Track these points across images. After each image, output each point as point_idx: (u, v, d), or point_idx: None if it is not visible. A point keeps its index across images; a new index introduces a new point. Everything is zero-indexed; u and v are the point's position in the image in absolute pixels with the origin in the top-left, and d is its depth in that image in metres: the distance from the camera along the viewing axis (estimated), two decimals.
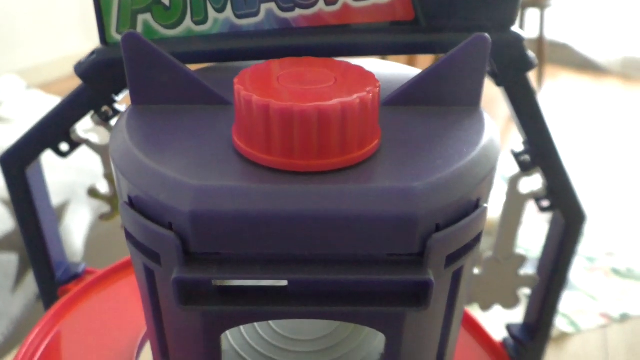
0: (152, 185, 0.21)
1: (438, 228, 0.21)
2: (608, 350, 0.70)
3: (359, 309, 0.22)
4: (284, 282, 0.22)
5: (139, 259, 0.23)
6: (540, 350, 0.45)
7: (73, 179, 1.04)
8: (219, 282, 0.23)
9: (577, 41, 2.21)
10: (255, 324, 0.33)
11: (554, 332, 0.72)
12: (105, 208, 0.40)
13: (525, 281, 0.42)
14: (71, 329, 0.37)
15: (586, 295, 0.80)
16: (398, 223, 0.20)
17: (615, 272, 0.84)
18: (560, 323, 0.73)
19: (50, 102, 1.23)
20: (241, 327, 0.33)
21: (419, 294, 0.22)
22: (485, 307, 0.43)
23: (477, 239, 0.23)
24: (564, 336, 0.71)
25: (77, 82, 0.32)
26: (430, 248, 0.21)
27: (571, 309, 0.77)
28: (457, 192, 0.21)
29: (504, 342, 0.46)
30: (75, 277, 0.40)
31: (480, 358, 0.46)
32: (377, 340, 0.32)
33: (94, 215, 1.09)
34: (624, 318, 0.74)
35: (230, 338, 0.32)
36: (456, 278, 0.23)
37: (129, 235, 0.23)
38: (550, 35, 2.19)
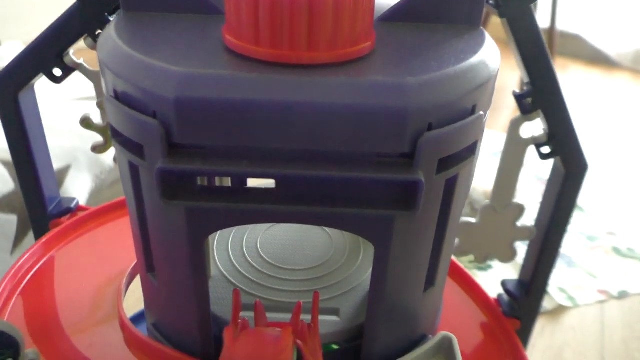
0: (137, 74, 0.20)
1: (430, 127, 0.20)
2: (604, 324, 0.70)
3: (347, 211, 0.21)
4: (272, 185, 0.22)
5: (124, 156, 0.23)
6: (534, 307, 0.44)
7: (74, 145, 1.04)
8: (204, 183, 0.22)
9: (589, 33, 2.18)
10: (245, 251, 0.33)
11: (551, 305, 0.71)
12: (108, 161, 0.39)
13: (523, 233, 0.41)
14: (62, 258, 0.36)
15: (585, 272, 0.79)
16: (389, 117, 0.20)
17: (616, 251, 0.83)
18: (558, 297, 0.72)
19: None
20: (230, 254, 0.32)
21: (408, 198, 0.21)
22: (480, 259, 0.42)
23: (471, 150, 0.23)
24: (561, 309, 0.71)
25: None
26: (421, 147, 0.20)
27: (570, 284, 0.77)
28: (451, 92, 0.21)
29: (499, 299, 0.45)
30: (68, 211, 0.40)
31: (473, 313, 0.46)
32: (368, 272, 0.32)
33: (94, 182, 1.09)
34: (623, 295, 0.73)
35: (220, 264, 0.31)
36: (449, 188, 0.23)
37: (114, 133, 0.23)
38: (561, 25, 2.16)
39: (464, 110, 0.21)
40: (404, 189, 0.21)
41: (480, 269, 0.76)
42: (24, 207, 0.98)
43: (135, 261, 0.35)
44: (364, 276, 0.31)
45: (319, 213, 0.22)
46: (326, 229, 0.35)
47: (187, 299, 0.25)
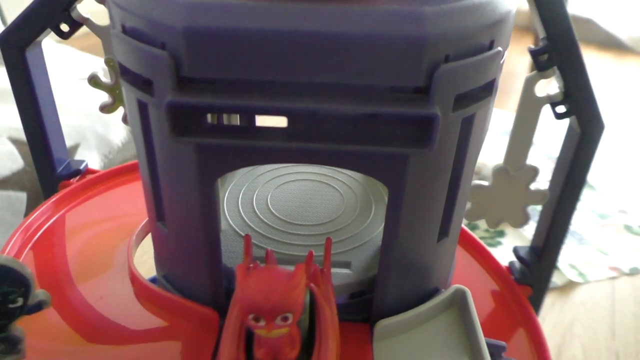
0: (145, 4, 0.20)
1: (447, 59, 0.20)
2: (615, 300, 0.69)
3: (360, 149, 0.21)
4: (284, 124, 0.21)
5: (132, 95, 0.22)
6: (546, 274, 0.43)
7: (83, 124, 1.04)
8: (214, 121, 0.22)
9: (601, 16, 2.15)
10: (255, 207, 0.32)
11: (562, 281, 0.70)
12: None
13: (536, 197, 0.40)
14: (72, 217, 0.36)
15: (596, 249, 0.78)
16: (405, 46, 0.19)
17: (628, 228, 0.82)
18: (568, 273, 0.72)
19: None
20: (240, 210, 0.32)
21: (423, 134, 0.20)
22: (493, 223, 0.42)
23: (489, 88, 0.22)
24: (571, 285, 0.70)
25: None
26: (437, 80, 0.19)
27: (580, 261, 0.76)
28: (469, 23, 0.20)
29: (510, 266, 0.45)
30: (77, 173, 0.40)
31: (485, 281, 0.45)
32: (380, 228, 0.31)
33: (103, 161, 1.09)
34: (634, 272, 0.73)
35: (230, 219, 0.31)
36: (465, 129, 0.22)
37: (123, 71, 0.22)
38: (573, 9, 2.13)
39: (481, 44, 0.21)
40: (419, 125, 0.20)
41: (490, 245, 0.75)
42: (34, 184, 0.99)
43: (146, 220, 0.35)
44: (376, 232, 0.31)
45: (330, 151, 0.21)
46: (337, 187, 0.35)
47: (197, 244, 0.24)
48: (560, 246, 0.43)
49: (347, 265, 0.28)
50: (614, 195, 0.91)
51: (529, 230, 0.75)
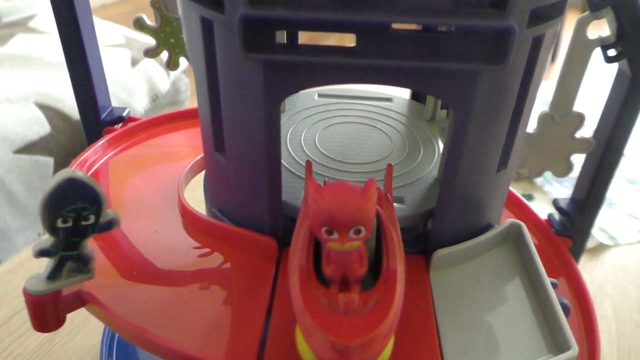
0: None
1: None
2: None
3: (431, 65, 0.20)
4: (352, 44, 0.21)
5: (195, 15, 0.22)
6: (587, 224, 0.43)
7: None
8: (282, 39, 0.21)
9: None
10: (304, 147, 0.32)
11: (592, 243, 0.70)
12: None
13: (581, 145, 0.39)
14: (116, 163, 0.37)
15: (626, 213, 0.77)
16: None
17: None
18: (598, 236, 0.71)
19: None
20: (289, 149, 0.32)
21: (499, 49, 0.20)
22: (535, 172, 0.41)
23: (560, 7, 0.22)
24: (601, 247, 0.69)
25: None
26: None
27: (611, 225, 0.75)
28: None
29: (549, 218, 0.44)
30: (120, 120, 0.40)
31: None
32: (431, 166, 0.31)
33: None
34: None
35: None
36: (535, 49, 0.22)
37: None
38: None
39: None
40: (493, 40, 0.20)
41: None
42: (60, 150, 1.01)
43: (194, 161, 0.35)
44: (426, 170, 0.31)
45: (400, 69, 0.21)
46: (383, 129, 0.34)
47: (259, 170, 0.24)
48: (603, 197, 0.42)
49: (400, 200, 0.28)
50: None
51: (557, 195, 0.74)
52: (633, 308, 0.60)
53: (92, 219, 0.21)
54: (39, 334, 0.51)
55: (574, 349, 0.21)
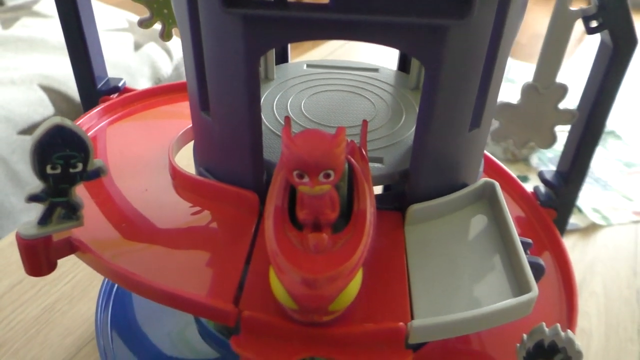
0: None
1: None
2: (638, 242, 0.69)
3: (400, 20, 0.21)
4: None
5: None
6: (572, 196, 0.44)
7: (109, 74, 1.06)
8: None
9: None
10: (290, 112, 0.33)
11: (584, 223, 0.71)
12: None
13: (564, 116, 0.40)
14: (111, 130, 0.38)
15: (621, 195, 0.78)
16: None
17: None
18: (592, 216, 0.72)
19: None
20: (275, 113, 0.33)
21: (463, 4, 0.21)
22: (520, 143, 0.42)
23: None
24: (594, 227, 0.70)
25: None
26: None
27: (604, 205, 0.76)
28: None
29: (535, 190, 0.45)
30: (116, 90, 0.41)
31: (510, 206, 0.46)
32: (412, 130, 0.32)
33: None
34: None
35: (265, 120, 0.32)
36: (503, 1, 0.23)
37: None
38: None
39: None
40: None
41: None
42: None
43: (185, 129, 0.36)
44: (407, 134, 0.32)
45: (371, 25, 0.22)
46: (368, 97, 0.35)
47: (241, 126, 0.25)
48: (587, 168, 0.43)
49: (379, 160, 0.29)
50: None
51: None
52: (622, 285, 0.61)
53: (79, 166, 0.23)
54: (40, 302, 0.53)
55: (534, 292, 0.22)
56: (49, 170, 0.22)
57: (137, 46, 1.09)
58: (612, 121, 0.91)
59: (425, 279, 0.24)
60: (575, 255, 0.66)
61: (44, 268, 0.24)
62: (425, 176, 0.27)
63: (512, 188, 0.47)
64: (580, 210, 0.72)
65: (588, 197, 0.74)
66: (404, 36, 0.22)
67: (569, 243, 0.67)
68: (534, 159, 0.80)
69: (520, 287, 0.23)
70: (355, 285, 0.21)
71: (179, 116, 0.42)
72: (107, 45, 1.10)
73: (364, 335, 0.21)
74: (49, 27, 1.10)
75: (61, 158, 0.22)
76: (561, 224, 0.45)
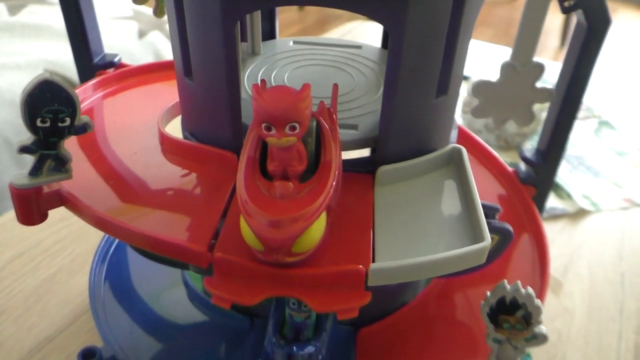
0: None
1: None
2: (625, 228, 0.70)
3: None
4: None
5: None
6: (550, 173, 0.45)
7: None
8: None
9: None
10: (272, 83, 0.35)
11: (573, 208, 0.72)
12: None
13: (542, 94, 0.42)
14: (107, 102, 0.40)
15: (611, 182, 0.79)
16: None
17: None
18: (581, 202, 0.73)
19: None
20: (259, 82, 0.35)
21: None
22: (499, 122, 0.44)
23: None
24: (583, 213, 0.71)
25: None
26: None
27: (594, 192, 0.77)
28: None
29: (515, 168, 0.47)
30: (112, 65, 0.43)
31: (492, 185, 0.48)
32: None
33: None
34: None
35: (249, 90, 0.34)
36: None
37: None
38: None
39: None
40: None
41: None
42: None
43: (175, 102, 0.38)
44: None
45: None
46: (350, 72, 0.37)
47: (220, 87, 0.27)
48: (564, 145, 0.45)
49: (354, 127, 0.31)
50: (633, 135, 0.91)
51: None
52: (608, 268, 0.62)
53: (67, 121, 0.25)
54: (40, 274, 0.55)
55: (487, 241, 0.23)
56: (39, 123, 0.24)
57: (142, 34, 1.11)
58: (607, 112, 0.92)
59: (389, 231, 0.25)
60: (563, 238, 0.68)
61: (35, 217, 0.26)
62: (393, 140, 0.28)
63: (494, 166, 0.48)
64: (569, 196, 0.73)
65: (579, 184, 0.75)
66: (366, 1, 0.24)
67: (557, 227, 0.68)
68: (527, 147, 0.81)
69: (475, 238, 0.24)
70: (318, 230, 0.23)
71: (172, 92, 0.44)
72: (112, 32, 1.12)
73: (326, 276, 0.22)
74: (54, 14, 1.12)
75: (50, 112, 0.24)
76: (540, 202, 0.46)
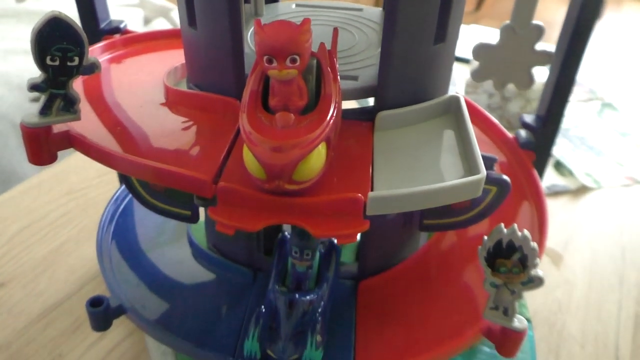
0: None
1: None
2: (627, 204, 0.71)
3: None
4: None
5: None
6: (549, 138, 0.46)
7: None
8: None
9: None
10: None
11: (575, 185, 0.72)
12: None
13: (541, 57, 0.42)
14: (112, 62, 0.41)
15: (614, 161, 0.80)
16: None
17: None
18: (583, 179, 0.74)
19: None
20: None
21: None
22: (499, 85, 0.44)
23: None
24: (585, 190, 0.72)
25: None
26: None
27: (596, 170, 0.78)
28: None
29: (516, 134, 0.47)
30: (117, 30, 0.44)
31: (491, 150, 0.48)
32: None
33: None
34: None
35: (251, 45, 0.35)
36: None
37: None
38: None
39: None
40: None
41: None
42: None
43: (181, 62, 0.39)
44: None
45: None
46: (353, 31, 0.38)
47: (223, 33, 0.28)
48: (563, 110, 0.45)
49: (355, 78, 0.32)
50: (636, 116, 0.91)
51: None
52: (608, 242, 0.63)
53: (76, 60, 0.25)
54: (48, 244, 0.56)
55: (482, 173, 0.24)
56: (48, 61, 0.25)
57: (147, 21, 1.12)
58: (611, 94, 0.92)
59: (387, 168, 0.26)
60: (565, 214, 0.68)
61: (45, 157, 0.27)
62: (392, 86, 0.29)
63: (494, 132, 0.49)
64: (572, 174, 0.74)
65: (581, 163, 0.76)
66: None
67: (560, 203, 0.69)
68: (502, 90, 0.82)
69: (471, 171, 0.25)
70: (318, 160, 0.23)
71: (178, 57, 0.45)
72: (118, 19, 1.14)
73: (327, 203, 0.23)
74: (59, 1, 1.13)
75: (59, 50, 0.25)
76: (540, 167, 0.47)
